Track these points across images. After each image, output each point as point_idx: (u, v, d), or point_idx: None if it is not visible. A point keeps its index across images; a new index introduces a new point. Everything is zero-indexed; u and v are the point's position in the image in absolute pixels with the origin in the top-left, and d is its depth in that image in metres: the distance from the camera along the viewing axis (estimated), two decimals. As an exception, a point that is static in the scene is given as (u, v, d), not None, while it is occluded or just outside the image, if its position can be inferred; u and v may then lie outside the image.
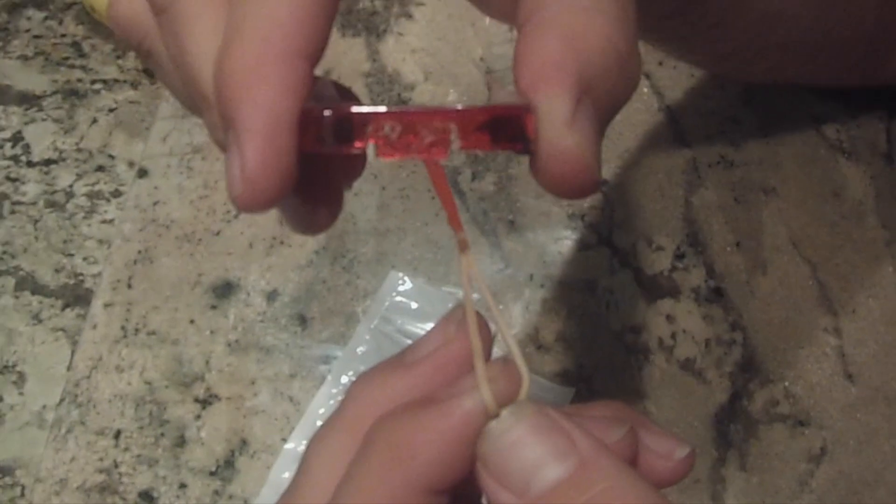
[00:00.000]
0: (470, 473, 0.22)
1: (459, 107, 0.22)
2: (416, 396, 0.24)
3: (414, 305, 0.50)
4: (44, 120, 0.58)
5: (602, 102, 0.22)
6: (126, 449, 0.46)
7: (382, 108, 0.22)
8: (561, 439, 0.22)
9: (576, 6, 0.22)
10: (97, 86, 0.60)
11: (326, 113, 0.22)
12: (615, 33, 0.22)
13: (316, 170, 0.24)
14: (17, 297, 0.52)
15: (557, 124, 0.21)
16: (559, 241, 0.52)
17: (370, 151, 0.22)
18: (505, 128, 0.22)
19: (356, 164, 0.26)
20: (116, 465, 0.46)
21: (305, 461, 0.25)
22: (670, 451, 0.25)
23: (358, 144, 0.22)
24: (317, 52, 0.22)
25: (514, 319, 0.50)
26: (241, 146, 0.21)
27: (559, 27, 0.22)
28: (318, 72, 0.24)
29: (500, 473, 0.22)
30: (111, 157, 0.57)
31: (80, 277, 0.52)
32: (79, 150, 0.57)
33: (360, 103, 0.27)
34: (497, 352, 0.25)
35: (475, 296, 0.24)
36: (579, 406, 0.27)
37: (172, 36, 0.23)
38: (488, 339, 0.24)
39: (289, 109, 0.21)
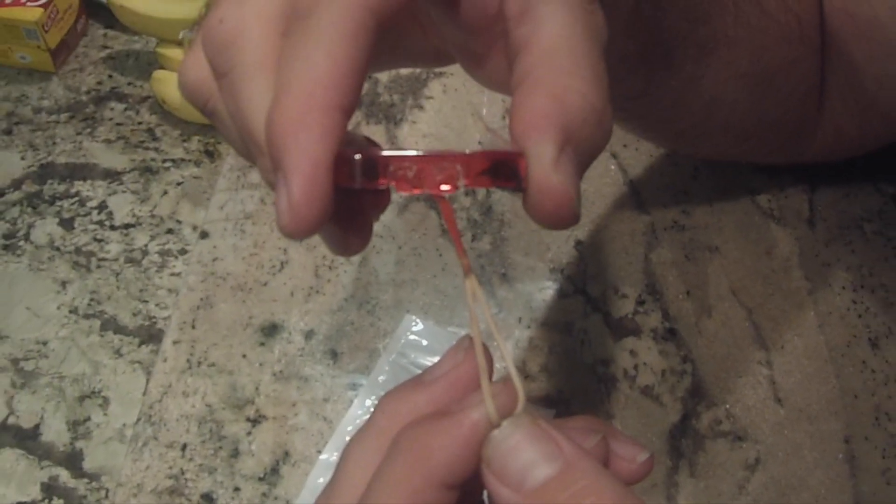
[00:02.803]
0: (476, 472, 0.23)
1: (466, 151, 0.22)
2: (433, 409, 0.24)
3: (425, 343, 0.50)
4: (124, 192, 0.59)
5: (581, 148, 0.22)
6: (191, 459, 0.47)
7: (402, 152, 0.22)
8: (550, 445, 0.22)
9: (559, 71, 0.22)
10: (167, 164, 0.61)
11: (357, 155, 0.22)
12: (592, 92, 0.22)
13: (350, 204, 0.24)
14: (102, 336, 0.52)
15: (545, 165, 0.21)
16: (543, 290, 0.53)
17: (392, 188, 0.22)
18: (501, 169, 0.22)
19: (382, 200, 0.26)
20: (183, 473, 0.46)
21: (343, 461, 0.25)
22: (634, 455, 0.25)
23: (382, 181, 0.22)
24: (351, 105, 0.22)
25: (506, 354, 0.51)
26: (288, 183, 0.21)
27: (546, 87, 0.22)
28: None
29: (500, 472, 0.22)
30: (179, 221, 0.58)
31: (154, 320, 0.53)
32: (152, 216, 0.58)
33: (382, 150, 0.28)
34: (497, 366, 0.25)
35: (480, 325, 0.24)
36: (561, 420, 0.27)
37: (231, 96, 0.24)
38: (491, 361, 0.24)
39: (327, 152, 0.21)
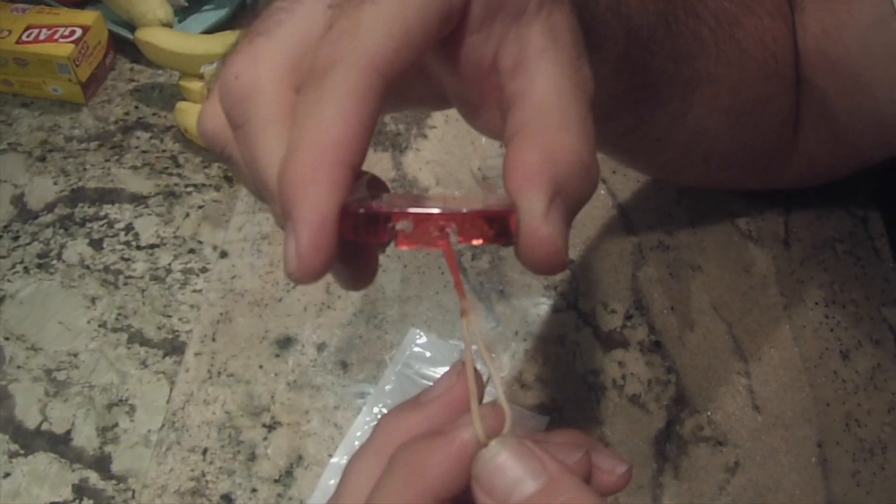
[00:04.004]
0: (467, 487, 0.23)
1: (464, 210, 0.22)
2: (428, 429, 0.24)
3: (428, 354, 0.50)
4: (149, 214, 0.60)
5: (570, 200, 0.22)
6: (211, 462, 0.47)
7: (402, 209, 0.22)
8: (534, 462, 0.22)
9: (550, 126, 0.23)
10: (189, 189, 0.61)
11: (360, 210, 0.22)
12: (581, 147, 0.22)
13: (356, 245, 0.24)
14: (128, 348, 0.52)
15: (535, 217, 0.22)
16: (538, 305, 0.53)
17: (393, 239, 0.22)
18: (493, 227, 0.22)
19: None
20: (204, 475, 0.46)
21: (345, 476, 0.25)
22: (613, 467, 0.25)
23: (382, 236, 0.22)
24: (359, 162, 0.22)
25: (503, 365, 0.50)
26: (297, 233, 0.21)
27: (537, 142, 0.22)
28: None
29: (488, 487, 0.22)
30: (200, 242, 0.58)
31: (177, 333, 0.53)
32: (175, 237, 0.58)
33: (388, 190, 0.27)
34: (489, 390, 0.25)
35: (473, 347, 0.24)
36: (548, 433, 0.27)
37: (246, 146, 0.24)
38: (481, 385, 0.24)
39: (334, 206, 0.21)
